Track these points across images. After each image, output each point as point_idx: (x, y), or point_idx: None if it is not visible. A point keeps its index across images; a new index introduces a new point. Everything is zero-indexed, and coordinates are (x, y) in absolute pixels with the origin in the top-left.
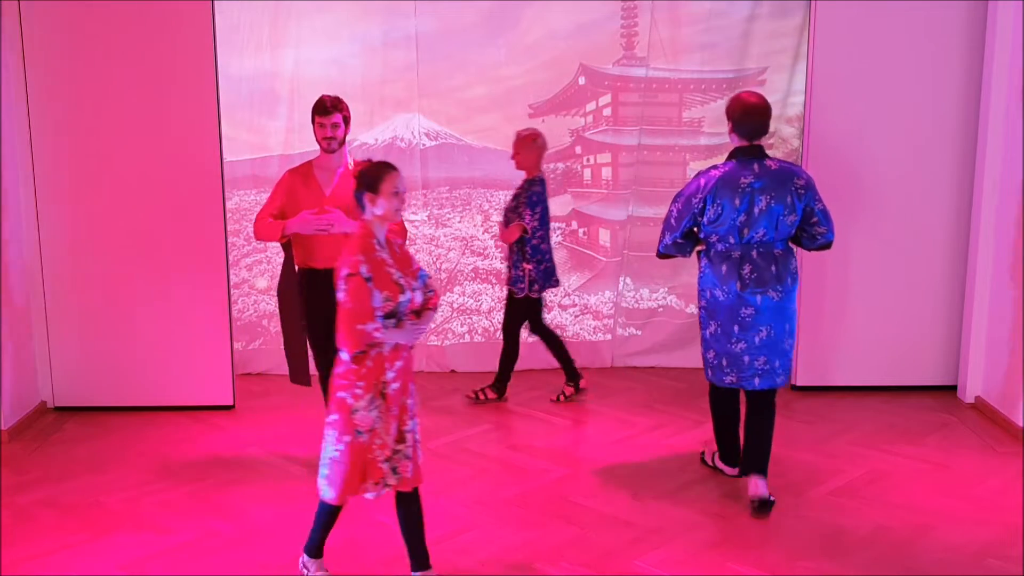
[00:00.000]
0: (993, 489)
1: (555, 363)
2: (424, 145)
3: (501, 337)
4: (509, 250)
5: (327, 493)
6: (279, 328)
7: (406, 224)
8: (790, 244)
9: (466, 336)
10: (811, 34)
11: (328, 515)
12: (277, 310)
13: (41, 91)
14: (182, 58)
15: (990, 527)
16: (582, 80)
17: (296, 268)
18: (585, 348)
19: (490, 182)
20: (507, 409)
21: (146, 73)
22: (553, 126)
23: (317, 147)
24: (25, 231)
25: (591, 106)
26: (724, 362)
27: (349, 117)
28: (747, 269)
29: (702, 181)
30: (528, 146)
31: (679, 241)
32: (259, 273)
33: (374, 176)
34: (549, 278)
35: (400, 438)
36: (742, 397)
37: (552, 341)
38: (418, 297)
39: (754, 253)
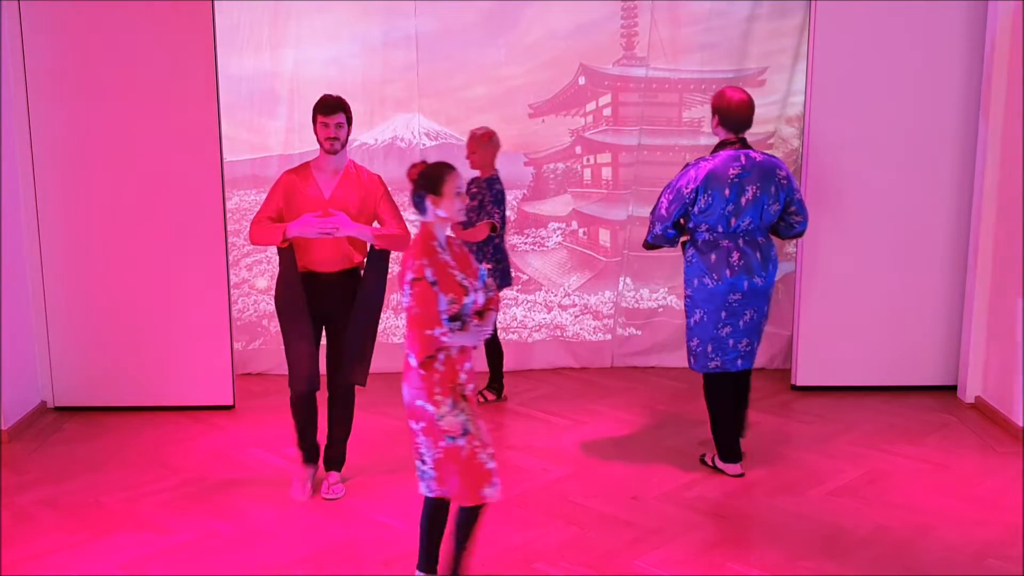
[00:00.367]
0: (993, 489)
1: (556, 363)
2: (424, 145)
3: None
4: (470, 250)
5: (433, 489)
6: (279, 328)
7: (407, 225)
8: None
9: None
10: (811, 34)
11: (435, 513)
12: (277, 315)
13: (41, 91)
14: (182, 58)
15: (990, 527)
16: (582, 80)
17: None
18: (585, 348)
19: None
20: (507, 409)
21: (146, 73)
22: (553, 126)
23: (317, 147)
24: (25, 231)
25: (591, 106)
26: (708, 348)
27: (352, 118)
28: (735, 257)
29: (692, 173)
30: (485, 144)
31: (669, 231)
32: (259, 273)
33: (436, 177)
34: (507, 277)
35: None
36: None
37: (494, 346)
38: (480, 297)
39: (740, 241)
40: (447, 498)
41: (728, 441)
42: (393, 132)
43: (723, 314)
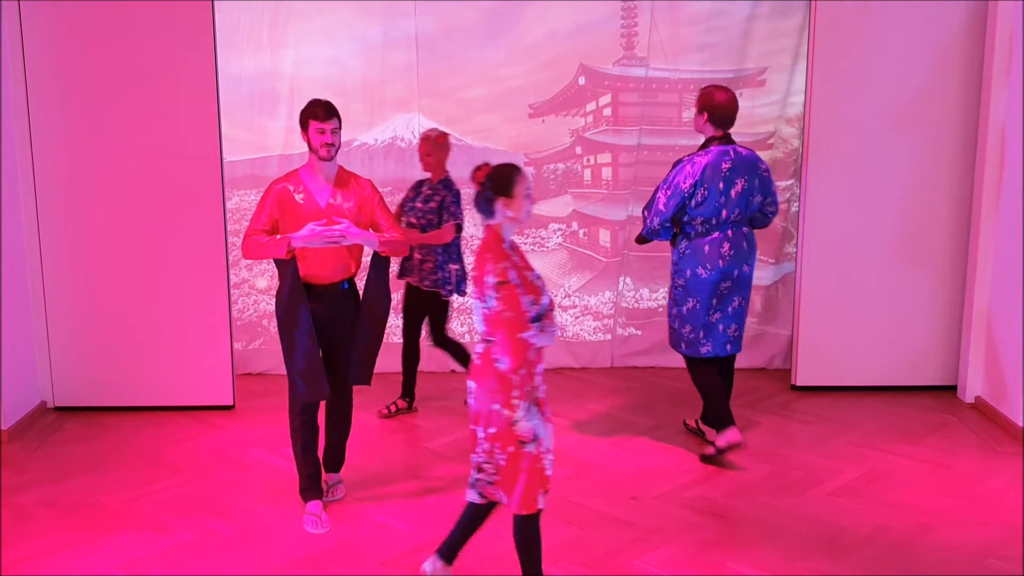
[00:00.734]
0: (993, 489)
1: (556, 363)
2: None
3: (435, 346)
4: (433, 252)
5: (486, 496)
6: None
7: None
8: None
9: (466, 336)
10: (811, 34)
11: (478, 515)
12: (279, 328)
13: (41, 91)
14: (182, 58)
15: (990, 527)
16: (582, 80)
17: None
18: (585, 348)
19: None
20: None
21: (146, 73)
22: (553, 126)
23: None
24: (25, 231)
25: (591, 106)
26: (701, 334)
27: (342, 121)
28: (726, 247)
29: (688, 168)
30: (441, 146)
31: (666, 224)
32: (259, 273)
33: (507, 179)
34: (465, 279)
35: None
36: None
37: (412, 352)
38: (547, 298)
39: (729, 232)
40: (494, 502)
41: (723, 409)
42: (393, 132)
43: (714, 301)
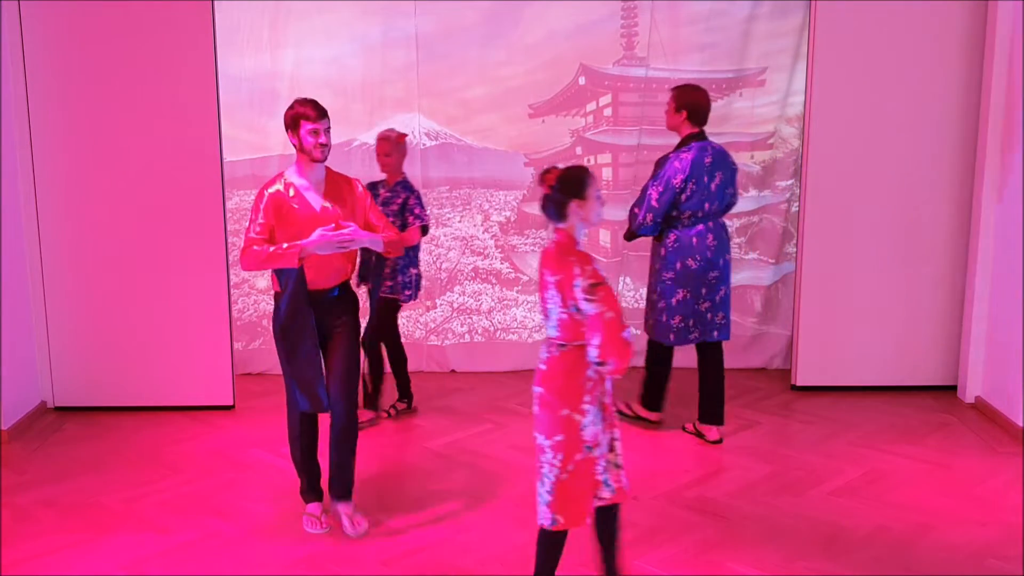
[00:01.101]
0: (993, 489)
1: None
2: (424, 145)
3: (385, 351)
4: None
5: (555, 520)
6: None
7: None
8: None
9: (466, 336)
10: (811, 34)
11: (553, 544)
12: (280, 338)
13: (41, 91)
14: (182, 58)
15: (990, 527)
16: (582, 80)
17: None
18: None
19: (490, 182)
20: (508, 409)
21: (146, 73)
22: (553, 126)
23: None
24: (25, 231)
25: (591, 106)
26: (691, 323)
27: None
28: (710, 238)
29: (677, 164)
30: (400, 147)
31: (658, 221)
32: (259, 273)
33: (581, 181)
34: (421, 284)
35: (610, 446)
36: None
37: (397, 352)
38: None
39: (711, 223)
40: (567, 530)
41: (660, 393)
42: None
43: (703, 290)
